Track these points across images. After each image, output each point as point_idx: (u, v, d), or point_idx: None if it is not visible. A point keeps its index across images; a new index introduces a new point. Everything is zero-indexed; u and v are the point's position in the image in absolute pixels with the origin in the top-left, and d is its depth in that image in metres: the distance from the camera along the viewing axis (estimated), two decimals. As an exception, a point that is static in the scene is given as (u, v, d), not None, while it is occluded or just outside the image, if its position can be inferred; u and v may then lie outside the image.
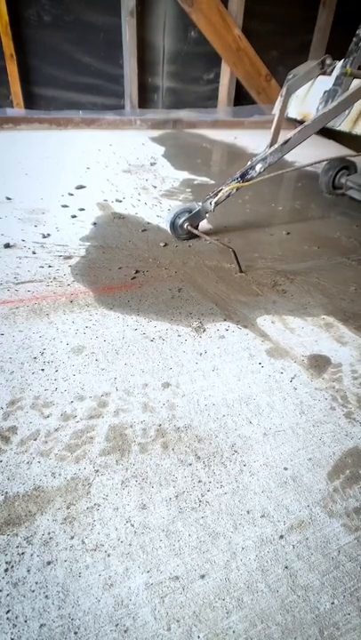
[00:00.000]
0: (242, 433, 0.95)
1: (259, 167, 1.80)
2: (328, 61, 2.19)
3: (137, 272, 1.62)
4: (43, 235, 1.88)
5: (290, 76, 2.14)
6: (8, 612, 0.63)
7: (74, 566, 0.69)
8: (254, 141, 4.08)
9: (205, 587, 0.67)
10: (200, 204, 1.85)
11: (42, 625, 0.62)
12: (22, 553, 0.70)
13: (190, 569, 0.70)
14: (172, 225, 1.87)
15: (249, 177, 1.81)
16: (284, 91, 2.13)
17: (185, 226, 1.85)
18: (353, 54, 2.09)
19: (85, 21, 3.94)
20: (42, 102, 4.19)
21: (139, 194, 2.48)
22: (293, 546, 0.74)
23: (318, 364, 1.19)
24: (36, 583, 0.67)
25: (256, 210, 2.38)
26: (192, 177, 2.87)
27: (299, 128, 1.76)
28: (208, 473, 0.86)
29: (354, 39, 2.08)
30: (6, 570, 0.68)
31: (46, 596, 0.65)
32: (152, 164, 3.11)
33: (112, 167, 2.98)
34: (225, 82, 4.71)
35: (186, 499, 0.80)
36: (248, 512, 0.79)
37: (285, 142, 1.76)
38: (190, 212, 1.85)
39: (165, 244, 1.86)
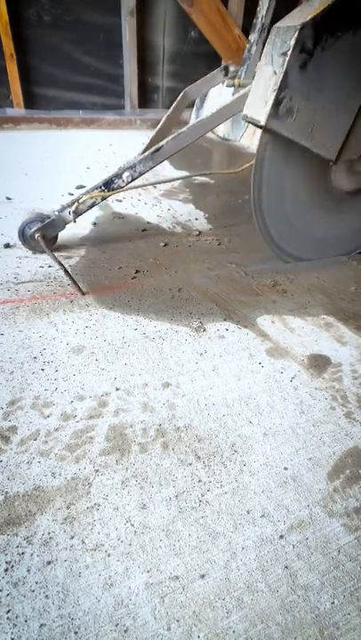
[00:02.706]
0: (242, 433, 0.95)
1: (126, 176, 1.61)
2: (231, 68, 2.15)
3: (137, 272, 1.62)
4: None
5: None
6: (8, 611, 0.63)
7: (74, 566, 0.69)
8: (254, 141, 4.08)
9: (205, 586, 0.67)
10: (56, 212, 1.62)
11: (42, 625, 0.62)
12: (22, 553, 0.70)
13: (190, 569, 0.70)
14: (22, 235, 1.65)
15: (115, 186, 1.62)
16: (180, 96, 2.06)
17: (36, 237, 1.60)
18: (246, 62, 2.00)
19: (85, 21, 3.94)
20: (42, 102, 4.19)
21: (139, 194, 2.48)
22: (293, 546, 0.74)
23: (318, 363, 1.19)
24: (36, 583, 0.67)
25: (256, 210, 2.37)
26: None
27: (173, 135, 1.58)
28: (208, 473, 0.86)
29: (247, 45, 2.01)
30: (6, 570, 0.68)
31: (46, 596, 0.65)
32: (152, 164, 3.10)
33: (112, 167, 2.98)
34: (225, 82, 4.70)
35: (186, 498, 0.80)
36: (248, 512, 0.79)
37: (157, 150, 1.58)
38: (43, 221, 1.62)
39: (165, 244, 1.86)
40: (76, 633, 0.61)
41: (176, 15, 4.15)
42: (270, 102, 1.27)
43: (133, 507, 0.78)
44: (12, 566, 0.68)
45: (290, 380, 1.12)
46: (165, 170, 2.98)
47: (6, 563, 0.69)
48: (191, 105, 4.58)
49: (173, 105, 2.05)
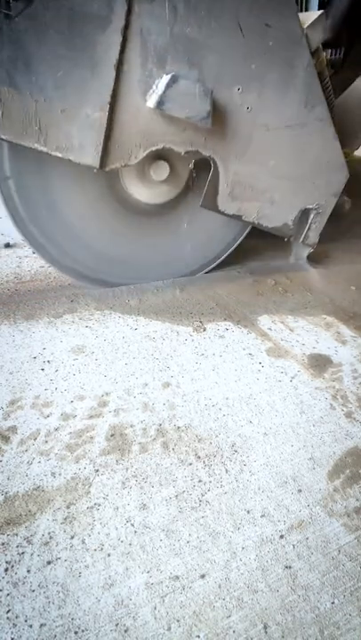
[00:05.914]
0: (242, 432, 0.95)
1: None
2: None
3: (137, 272, 1.62)
4: (43, 234, 1.87)
5: None
6: (8, 611, 0.63)
7: (74, 566, 0.69)
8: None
9: (205, 586, 0.67)
10: None
11: (42, 624, 0.62)
12: (22, 553, 0.70)
13: (190, 568, 0.70)
14: None
15: None
16: None
17: None
18: None
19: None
20: (42, 102, 4.18)
21: (139, 193, 2.47)
22: (294, 545, 0.74)
23: (319, 363, 1.19)
24: (37, 583, 0.67)
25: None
26: (192, 176, 2.86)
27: None
28: (208, 472, 0.86)
29: None
30: (6, 570, 0.68)
31: (46, 596, 0.65)
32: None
33: (112, 167, 2.97)
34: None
35: (186, 498, 0.80)
36: (248, 512, 0.79)
37: None
38: None
39: (165, 244, 1.86)
40: (76, 633, 0.61)
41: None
42: None
43: (133, 507, 0.78)
44: (12, 566, 0.68)
45: (290, 380, 1.12)
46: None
47: (6, 563, 0.69)
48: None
49: None
